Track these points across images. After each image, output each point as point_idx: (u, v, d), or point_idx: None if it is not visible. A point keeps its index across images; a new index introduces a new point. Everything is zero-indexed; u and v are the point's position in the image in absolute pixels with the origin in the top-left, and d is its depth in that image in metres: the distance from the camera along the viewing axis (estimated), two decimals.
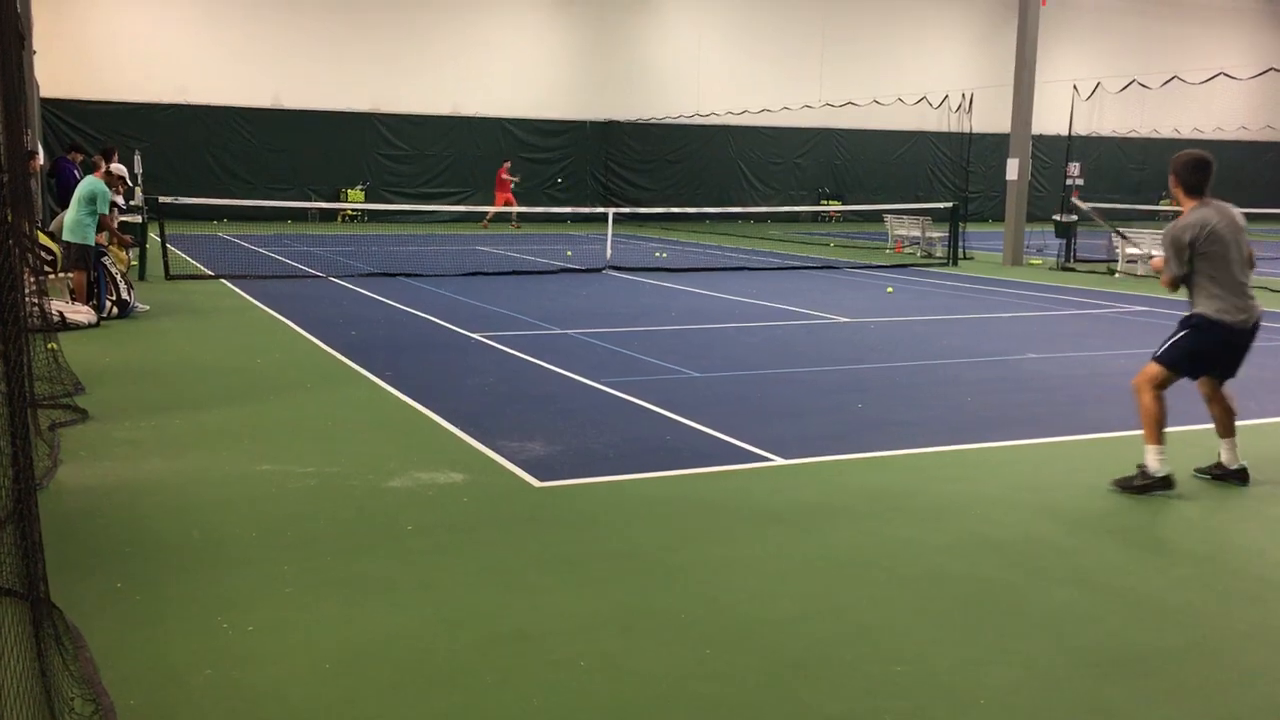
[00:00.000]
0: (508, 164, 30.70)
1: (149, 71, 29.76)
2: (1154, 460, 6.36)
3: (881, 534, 5.71)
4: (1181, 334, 6.52)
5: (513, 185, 30.04)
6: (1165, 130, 42.00)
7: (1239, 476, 6.66)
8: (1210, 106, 41.50)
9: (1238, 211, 6.53)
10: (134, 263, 16.46)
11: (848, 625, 4.59)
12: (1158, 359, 6.49)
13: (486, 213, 29.94)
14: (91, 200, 12.52)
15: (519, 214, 30.36)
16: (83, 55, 28.93)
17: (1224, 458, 6.71)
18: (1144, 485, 6.37)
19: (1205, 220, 6.31)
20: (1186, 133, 42.32)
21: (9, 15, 6.83)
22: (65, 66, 28.14)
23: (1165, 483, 6.34)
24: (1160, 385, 6.44)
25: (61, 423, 7.53)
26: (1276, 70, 24.37)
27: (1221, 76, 23.20)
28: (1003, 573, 5.19)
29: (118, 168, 17.51)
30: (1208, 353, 6.47)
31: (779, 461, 6.98)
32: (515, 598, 4.79)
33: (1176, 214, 6.60)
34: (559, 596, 4.81)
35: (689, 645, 4.35)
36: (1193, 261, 6.36)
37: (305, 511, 5.89)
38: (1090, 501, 6.33)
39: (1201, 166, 6.42)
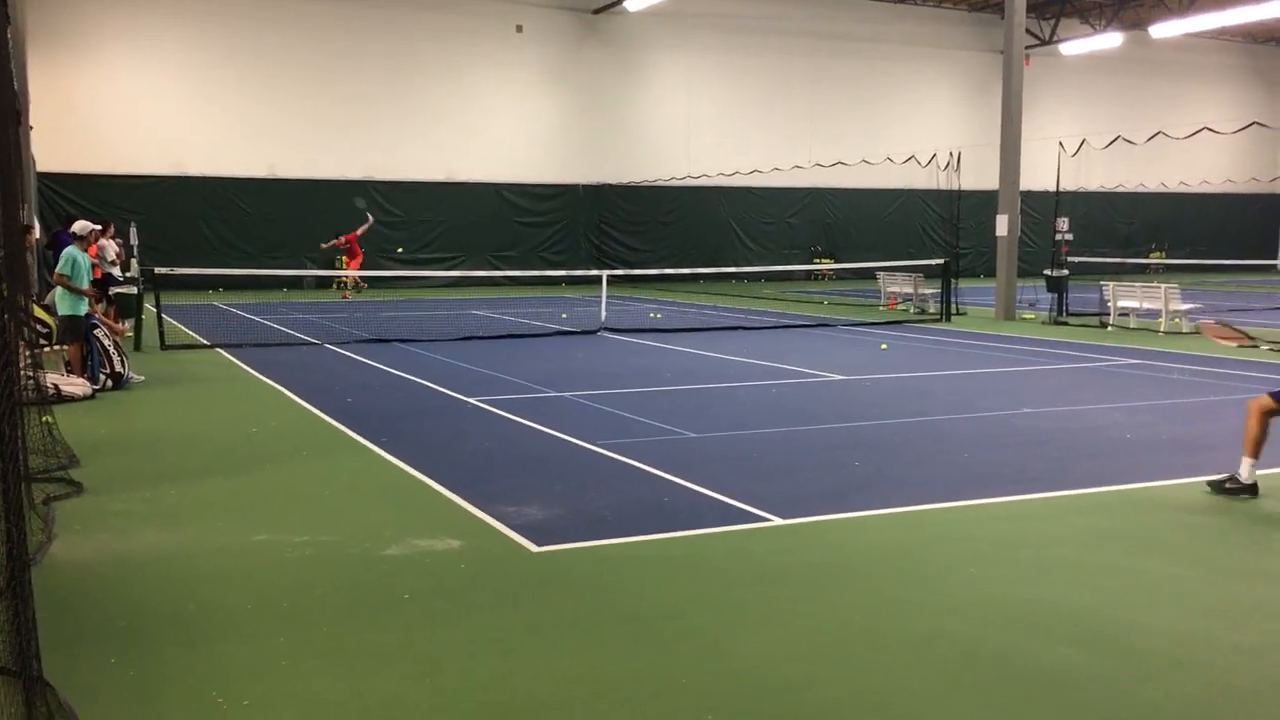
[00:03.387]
0: (361, 229, 29.25)
1: (145, 144, 30.07)
2: (1245, 470, 7.43)
3: (883, 594, 5.67)
4: None
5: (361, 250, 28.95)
6: (1152, 184, 42.49)
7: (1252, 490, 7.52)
8: (1195, 161, 42.02)
9: None
10: (129, 334, 16.49)
11: (854, 688, 4.54)
12: (1272, 394, 7.48)
13: (348, 279, 28.82)
14: (68, 268, 12.59)
15: (356, 280, 29.16)
16: (79, 129, 29.25)
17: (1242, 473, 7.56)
18: (1234, 489, 7.44)
19: None
20: (1173, 186, 42.82)
21: (6, 91, 6.91)
22: (62, 141, 28.44)
23: (1252, 490, 7.42)
24: (1267, 413, 7.40)
25: (56, 496, 7.49)
26: (1260, 125, 24.75)
27: (1205, 131, 23.50)
28: (1005, 632, 5.14)
29: (106, 243, 17.59)
30: None
31: (777, 521, 6.94)
32: (515, 666, 4.73)
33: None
34: (559, 663, 4.76)
35: (693, 711, 4.29)
36: None
37: (301, 582, 5.84)
38: (1088, 557, 6.30)
39: None
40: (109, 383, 12.52)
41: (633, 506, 7.32)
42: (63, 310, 12.63)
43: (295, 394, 12.18)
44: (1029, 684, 4.56)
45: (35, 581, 4.39)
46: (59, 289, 12.77)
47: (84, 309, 12.72)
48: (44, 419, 8.77)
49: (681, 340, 17.91)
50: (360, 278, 29.00)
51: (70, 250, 12.85)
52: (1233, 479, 7.52)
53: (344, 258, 29.12)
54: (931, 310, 23.12)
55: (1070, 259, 22.44)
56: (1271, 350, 7.57)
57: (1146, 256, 39.32)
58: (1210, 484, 7.61)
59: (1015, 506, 7.40)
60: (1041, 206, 37.26)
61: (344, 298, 28.63)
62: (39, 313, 13.37)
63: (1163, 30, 35.06)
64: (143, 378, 13.17)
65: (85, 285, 12.90)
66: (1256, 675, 4.66)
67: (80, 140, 29.26)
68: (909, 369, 14.50)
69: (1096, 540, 6.63)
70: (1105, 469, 8.48)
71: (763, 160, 35.95)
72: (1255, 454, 7.46)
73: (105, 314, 14.84)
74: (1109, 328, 20.16)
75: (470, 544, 6.47)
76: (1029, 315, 22.42)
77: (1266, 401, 7.44)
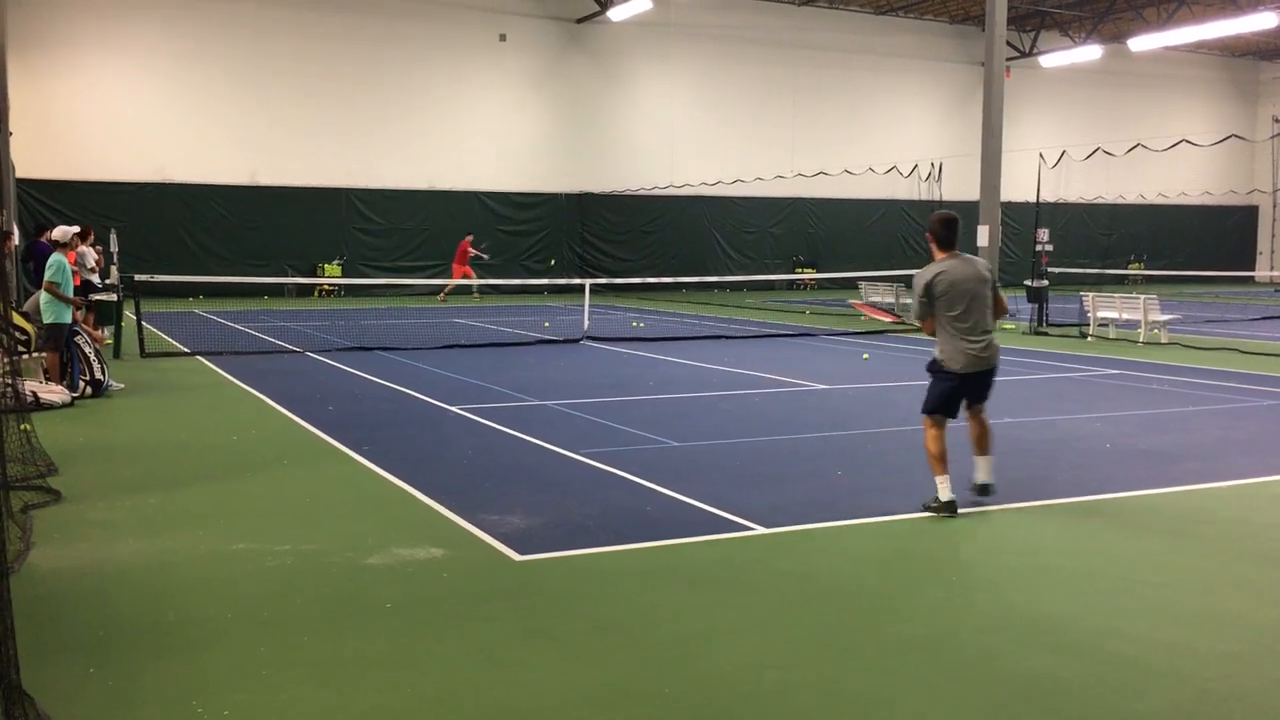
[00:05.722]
0: (470, 237, 30.93)
1: (126, 151, 29.94)
2: (942, 489, 7.34)
3: (863, 603, 5.69)
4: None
5: (471, 258, 30.35)
6: (1131, 196, 42.84)
7: (983, 491, 7.62)
8: (1174, 172, 42.38)
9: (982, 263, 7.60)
10: (109, 341, 16.40)
11: (835, 696, 4.55)
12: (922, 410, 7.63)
13: (444, 285, 30.36)
14: (59, 276, 12.52)
15: (479, 286, 30.38)
16: (59, 135, 29.10)
17: (976, 474, 7.68)
18: (937, 508, 7.34)
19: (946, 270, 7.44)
20: (1152, 198, 43.14)
21: None
22: (41, 147, 28.29)
23: (949, 507, 7.31)
24: (936, 428, 7.49)
25: (34, 505, 7.43)
26: (1237, 137, 25.00)
27: (1184, 144, 23.72)
28: (985, 639, 5.17)
29: (86, 250, 17.48)
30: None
31: (760, 530, 6.96)
32: (497, 675, 4.73)
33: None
34: (541, 673, 4.76)
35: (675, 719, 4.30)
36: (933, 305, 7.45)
37: (282, 590, 5.82)
38: (1068, 565, 6.34)
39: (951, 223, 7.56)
40: (88, 390, 12.44)
41: (615, 515, 7.32)
42: (47, 318, 12.54)
43: (276, 402, 12.13)
44: (1009, 691, 4.59)
45: (13, 590, 4.36)
46: (44, 296, 12.69)
47: (68, 317, 12.66)
48: (22, 426, 8.71)
49: (664, 349, 17.93)
50: (452, 287, 30.39)
51: (57, 257, 12.78)
52: (934, 498, 7.41)
53: (455, 264, 30.29)
54: (913, 320, 23.19)
55: (1050, 270, 22.60)
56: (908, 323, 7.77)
57: (1125, 267, 39.64)
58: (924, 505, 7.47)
59: (996, 515, 7.43)
60: (1022, 217, 37.54)
61: (477, 299, 30.45)
62: (18, 320, 13.26)
63: (1141, 43, 35.38)
64: (122, 385, 13.09)
65: (71, 293, 12.86)
66: (1234, 683, 4.70)
67: (60, 146, 29.10)
68: (891, 379, 14.56)
69: (1076, 548, 6.67)
70: (1085, 478, 8.53)
71: (745, 170, 36.07)
72: (942, 471, 7.38)
73: (84, 321, 14.75)
74: (1088, 338, 20.29)
75: (452, 553, 6.46)
76: (1009, 325, 22.53)
77: (924, 420, 7.53)
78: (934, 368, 7.58)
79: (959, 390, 7.51)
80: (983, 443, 7.70)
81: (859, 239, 39.00)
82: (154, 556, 6.43)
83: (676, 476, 8.36)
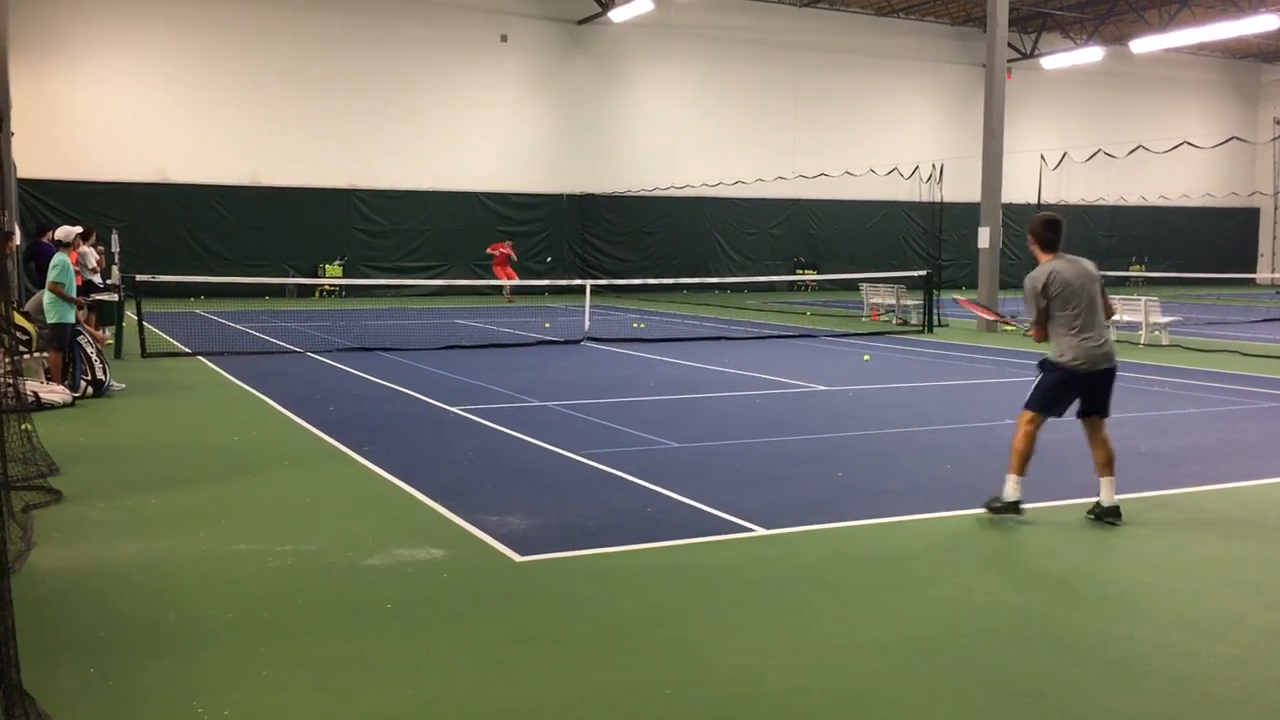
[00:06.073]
0: (509, 241, 31.38)
1: (127, 151, 29.95)
2: (1010, 488, 7.23)
3: (865, 604, 5.69)
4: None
5: (509, 260, 30.85)
6: (1132, 198, 42.83)
7: (1112, 514, 7.21)
8: (1175, 174, 42.38)
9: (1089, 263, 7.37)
10: (110, 341, 16.40)
11: (836, 698, 4.55)
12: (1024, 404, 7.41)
13: (503, 288, 30.83)
14: (64, 276, 12.58)
15: (509, 289, 30.84)
16: (60, 136, 29.11)
17: (1101, 496, 7.27)
18: (1000, 508, 7.26)
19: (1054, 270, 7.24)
20: (1153, 200, 43.13)
21: None
22: (43, 147, 28.29)
23: (1014, 508, 7.22)
24: (1031, 425, 7.28)
25: (35, 504, 7.44)
26: (1238, 139, 25.02)
27: (1185, 145, 23.73)
28: (986, 641, 5.17)
29: (87, 250, 17.49)
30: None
31: (760, 531, 6.96)
32: (497, 676, 4.73)
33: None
34: (541, 674, 4.76)
35: None
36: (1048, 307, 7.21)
37: (283, 591, 5.82)
38: (1069, 567, 6.34)
39: (1054, 225, 7.40)
40: (89, 390, 12.44)
41: (616, 517, 7.32)
42: (51, 318, 12.58)
43: (277, 402, 12.13)
44: (1010, 692, 4.59)
45: (14, 590, 4.36)
46: (48, 296, 12.72)
47: (72, 317, 12.69)
48: (23, 426, 8.71)
49: (665, 350, 17.93)
50: (510, 288, 30.89)
51: (61, 257, 12.81)
52: (996, 498, 7.34)
53: (496, 267, 30.90)
54: (914, 322, 23.21)
55: None
56: (1016, 327, 7.44)
57: (1126, 269, 39.63)
58: (985, 505, 7.38)
59: (996, 517, 7.42)
60: (1023, 219, 37.42)
61: (508, 302, 30.56)
62: (19, 320, 13.27)
63: (1143, 45, 35.37)
64: (123, 386, 13.09)
65: (74, 293, 12.89)
66: (1233, 686, 4.70)
67: (62, 146, 29.11)
68: (892, 380, 14.56)
69: (1077, 550, 6.67)
70: (1086, 480, 8.51)
71: (746, 171, 36.08)
72: (1021, 470, 7.25)
73: (86, 321, 14.76)
74: None
75: (453, 554, 6.46)
76: (1010, 327, 22.49)
77: (1023, 414, 7.30)
78: (1046, 366, 7.35)
79: (1071, 389, 7.25)
80: (1110, 466, 7.35)
81: (860, 240, 39.01)
82: (155, 556, 6.43)
83: (677, 478, 8.36)
